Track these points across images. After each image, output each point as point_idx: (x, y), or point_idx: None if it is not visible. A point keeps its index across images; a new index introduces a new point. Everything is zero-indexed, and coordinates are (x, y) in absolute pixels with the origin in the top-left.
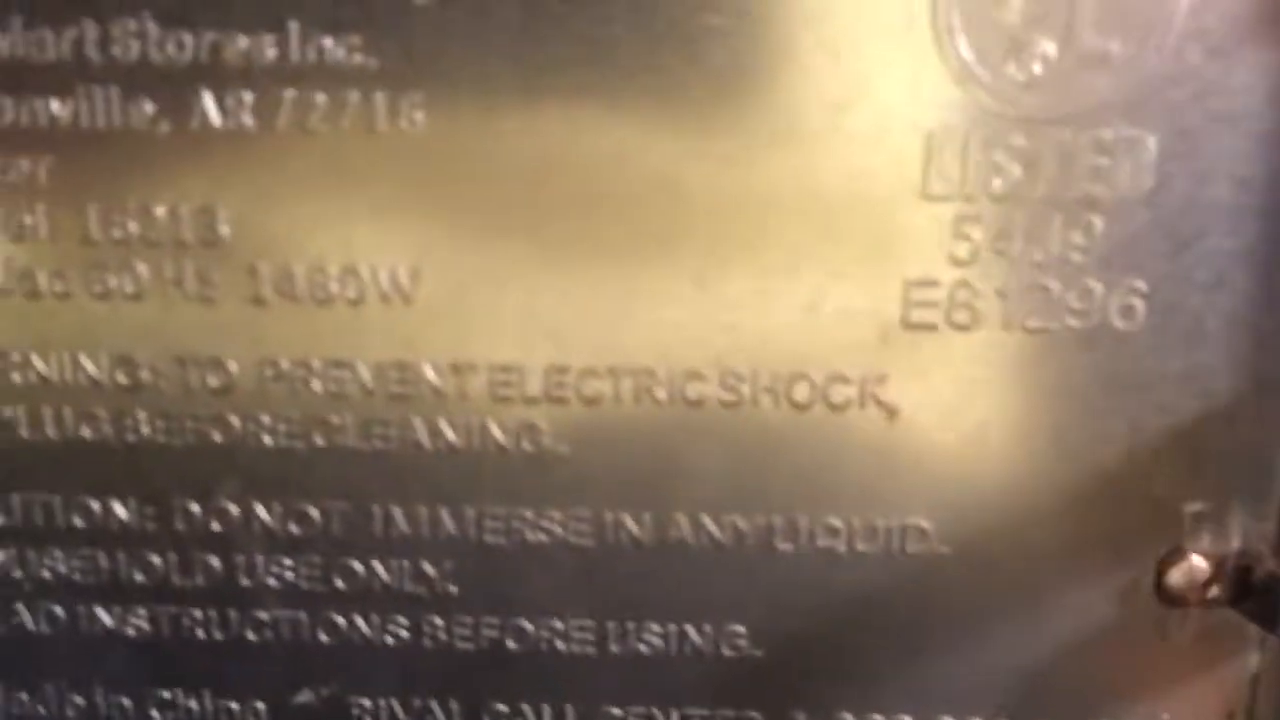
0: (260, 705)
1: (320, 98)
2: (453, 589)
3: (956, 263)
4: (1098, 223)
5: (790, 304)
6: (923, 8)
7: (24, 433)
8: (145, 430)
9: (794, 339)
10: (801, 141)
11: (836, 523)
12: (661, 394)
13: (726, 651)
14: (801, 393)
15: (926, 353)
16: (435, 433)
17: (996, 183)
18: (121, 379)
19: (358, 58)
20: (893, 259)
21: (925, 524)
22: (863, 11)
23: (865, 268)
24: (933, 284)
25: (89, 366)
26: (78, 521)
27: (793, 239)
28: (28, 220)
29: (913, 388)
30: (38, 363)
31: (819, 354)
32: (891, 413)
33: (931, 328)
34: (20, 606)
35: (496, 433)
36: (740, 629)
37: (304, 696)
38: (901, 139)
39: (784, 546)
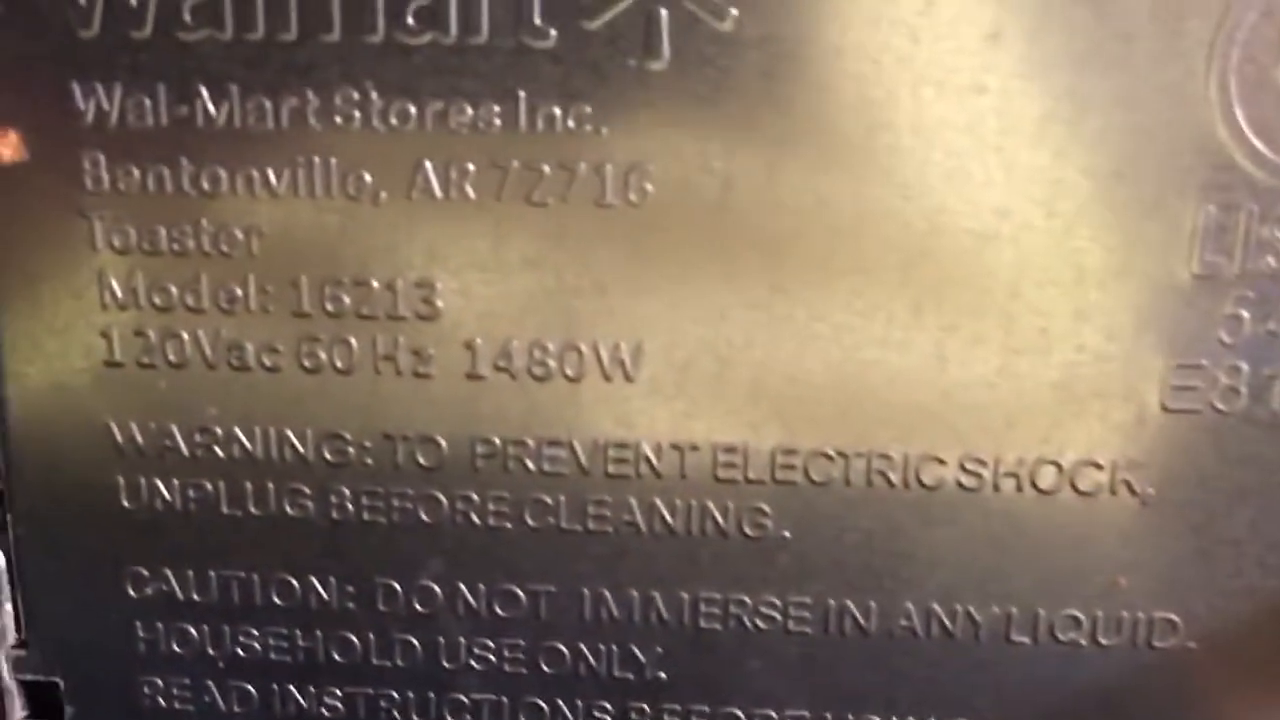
0: None
1: (547, 168)
2: (662, 675)
3: (1224, 345)
4: None
5: (1040, 384)
6: (1199, 74)
7: (224, 508)
8: (350, 508)
9: (1042, 421)
10: (1063, 212)
11: (1079, 614)
12: (895, 477)
13: None
14: (1048, 478)
15: (1187, 438)
16: (652, 514)
17: (1270, 261)
18: (328, 455)
19: (588, 127)
20: (1155, 338)
21: (1175, 617)
22: (1137, 80)
23: (1124, 347)
24: (1197, 367)
25: (295, 442)
26: (276, 599)
27: (1045, 316)
28: (238, 292)
29: (1169, 475)
30: (242, 437)
31: (1069, 437)
32: (1144, 500)
33: (1194, 412)
34: (211, 684)
35: (717, 515)
36: None
37: None
38: (1172, 212)
39: (1020, 639)
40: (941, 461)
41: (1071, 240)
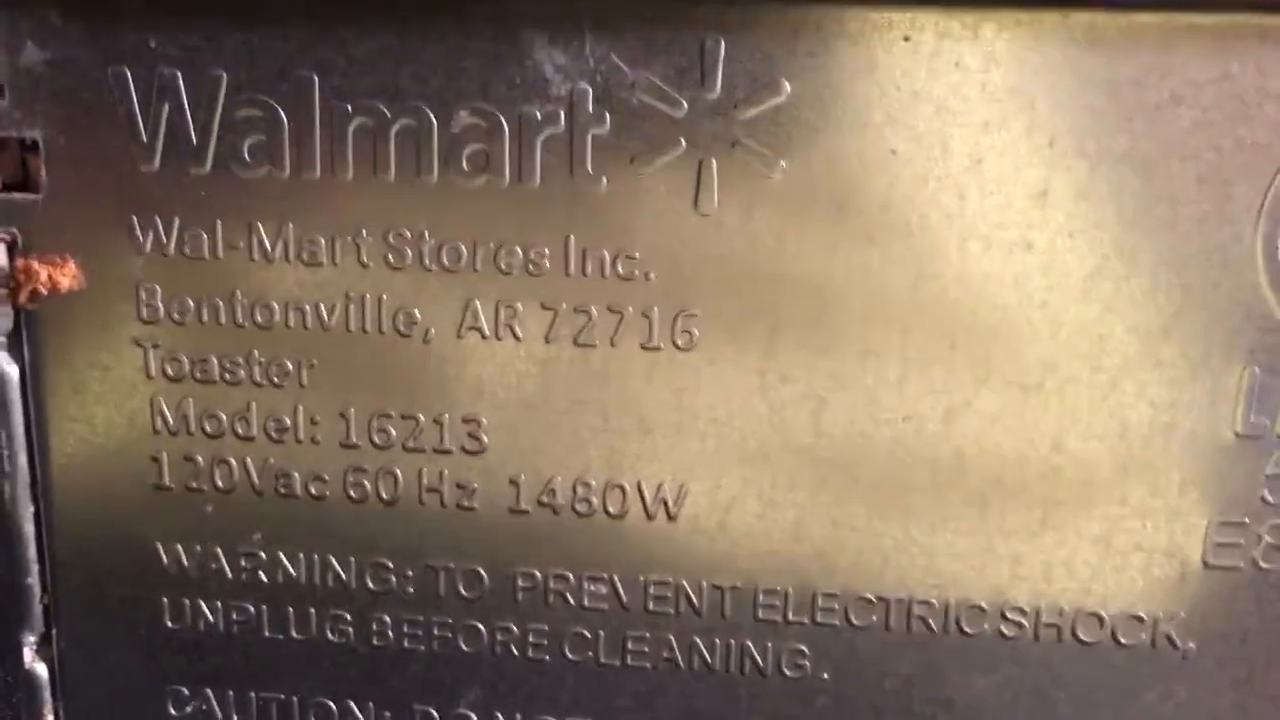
0: None
1: (596, 311)
2: None
3: (1266, 503)
4: None
5: (1081, 538)
6: (1246, 239)
7: (266, 631)
8: (390, 635)
9: (1083, 574)
10: (1109, 368)
11: None
12: (935, 624)
13: None
14: (1088, 630)
15: (1228, 594)
16: (691, 652)
17: None
18: (370, 583)
19: (636, 270)
20: (1198, 496)
21: None
22: (1184, 242)
23: (1167, 502)
24: (1240, 524)
25: (338, 568)
26: None
27: (1089, 469)
28: (288, 421)
29: (1210, 629)
30: (286, 562)
31: (1109, 591)
32: (1185, 654)
33: (1235, 569)
34: None
35: (756, 655)
36: None
37: None
38: (1218, 371)
39: None
40: (981, 610)
41: (1116, 396)
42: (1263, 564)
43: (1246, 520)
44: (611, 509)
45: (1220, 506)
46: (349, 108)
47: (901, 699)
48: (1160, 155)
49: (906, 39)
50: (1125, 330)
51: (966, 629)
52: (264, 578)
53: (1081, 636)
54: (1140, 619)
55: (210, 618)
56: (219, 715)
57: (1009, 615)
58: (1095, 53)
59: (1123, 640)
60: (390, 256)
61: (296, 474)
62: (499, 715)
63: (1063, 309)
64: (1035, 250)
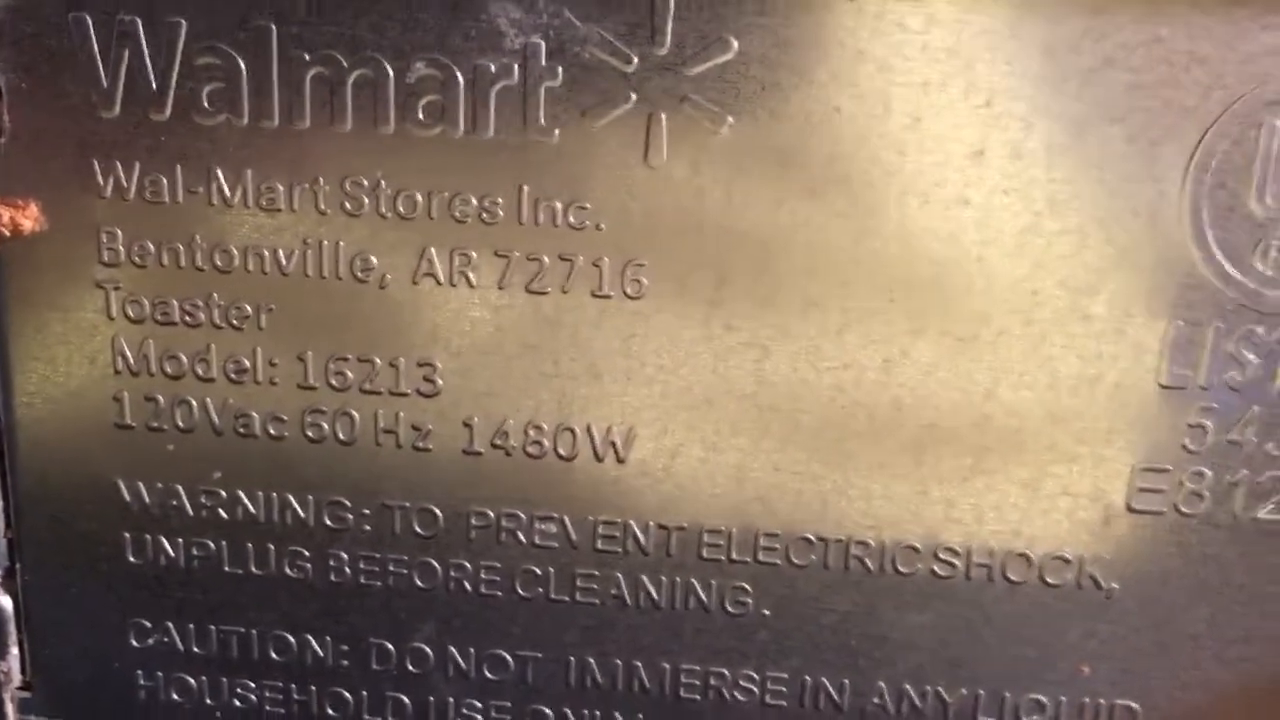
0: None
1: (548, 260)
2: None
3: (1188, 451)
4: None
5: (1010, 483)
6: (1173, 197)
7: (226, 567)
8: (347, 571)
9: (1012, 517)
10: (1040, 320)
11: (1044, 700)
12: (871, 564)
13: None
14: (1017, 570)
15: (1150, 538)
16: (637, 589)
17: (1234, 374)
18: (328, 520)
19: (587, 221)
20: (1123, 444)
21: (1135, 705)
22: (1114, 200)
23: (1093, 450)
24: (1162, 471)
25: (296, 507)
26: (273, 655)
27: (1019, 417)
28: (247, 363)
29: (1133, 571)
30: (245, 500)
31: (1037, 533)
32: (1109, 594)
33: (1158, 514)
34: None
35: (700, 592)
36: None
37: None
38: (1143, 325)
39: None
40: (915, 550)
41: (1046, 347)
42: (1183, 509)
43: (1169, 467)
44: (562, 451)
45: (1144, 454)
46: (307, 57)
47: (838, 634)
48: (1093, 116)
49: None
50: (1056, 284)
51: (901, 569)
52: (224, 515)
53: (1010, 576)
54: (1066, 560)
55: (171, 553)
56: (180, 648)
57: (941, 556)
58: (1033, 17)
59: (1049, 580)
60: (347, 204)
61: (255, 414)
62: (452, 649)
63: (997, 264)
64: (971, 206)
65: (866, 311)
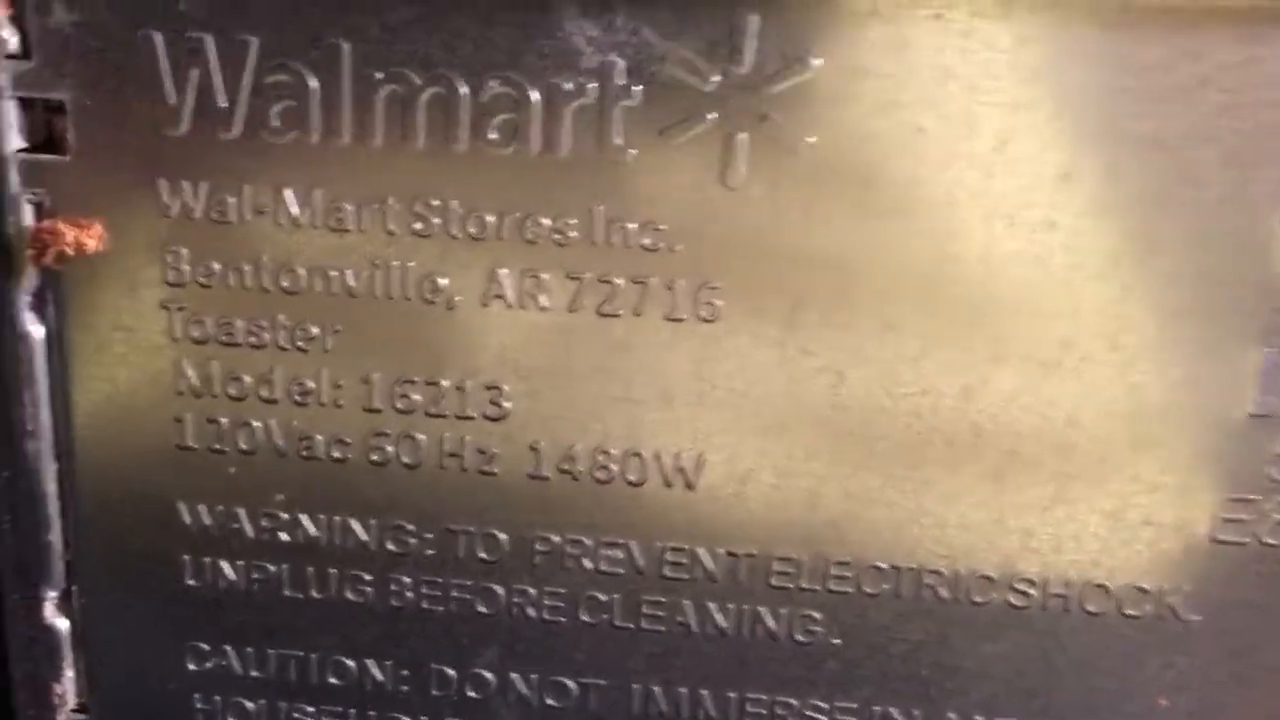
0: None
1: (620, 282)
2: None
3: (1275, 481)
4: None
5: (1092, 512)
6: (1265, 221)
7: (286, 590)
8: (409, 595)
9: (1092, 547)
10: (1127, 346)
11: None
12: (945, 593)
13: None
14: (1095, 601)
15: (1233, 569)
16: (705, 617)
17: None
18: (390, 544)
19: (661, 242)
20: (1208, 474)
21: None
22: (1206, 224)
23: (1178, 479)
24: (1248, 501)
25: (358, 530)
26: (332, 679)
27: (1103, 445)
28: (311, 385)
29: (1214, 602)
30: (307, 523)
31: (1117, 564)
32: (1188, 626)
33: (1241, 544)
34: None
35: (768, 620)
36: None
37: None
38: (1232, 352)
39: None
40: (991, 580)
41: (1132, 374)
42: (1268, 540)
43: (1255, 497)
44: (630, 477)
45: (1229, 484)
46: (379, 75)
47: (909, 664)
48: (1185, 138)
49: (938, 17)
50: (1143, 310)
51: (975, 598)
52: (285, 538)
53: (1088, 607)
54: (1146, 591)
55: (231, 576)
56: (238, 671)
57: (1017, 586)
58: (1125, 35)
59: (1128, 611)
60: (417, 224)
61: (319, 437)
62: (514, 676)
63: (1083, 288)
64: (1059, 229)
65: (946, 336)
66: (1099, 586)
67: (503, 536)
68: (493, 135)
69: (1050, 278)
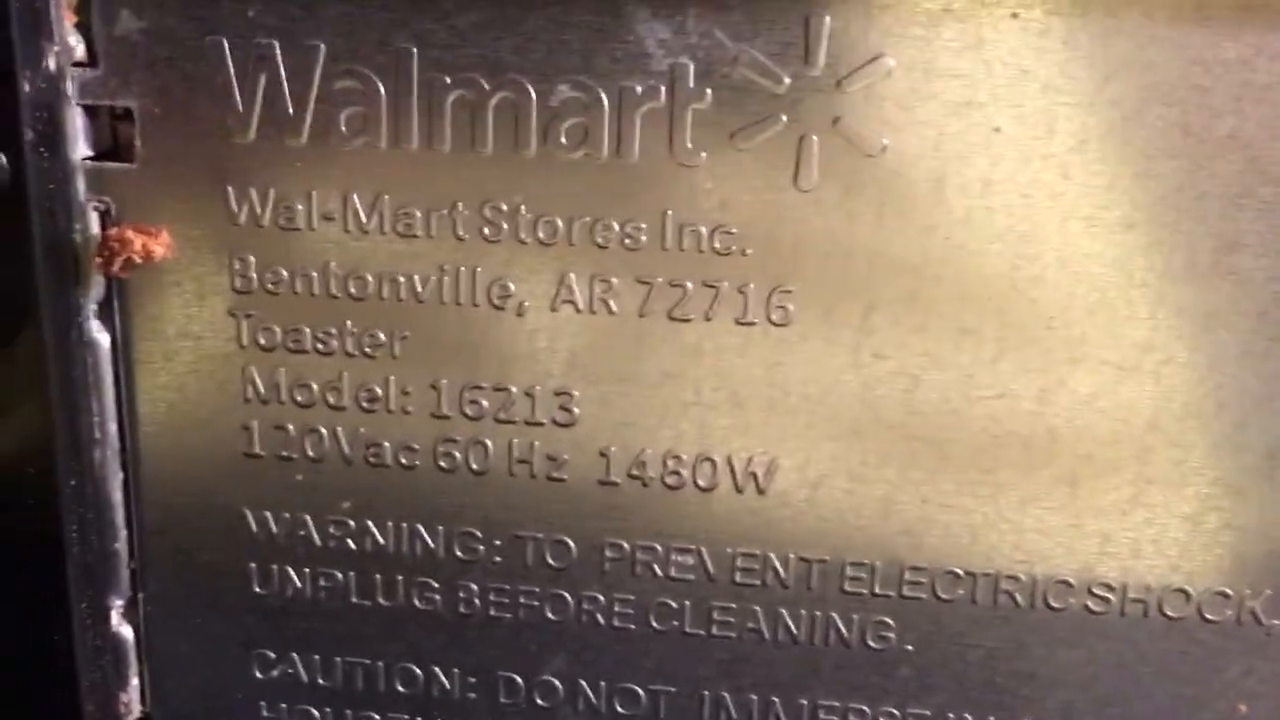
0: None
1: (691, 286)
2: None
3: None
4: None
5: (1171, 516)
6: None
7: (353, 598)
8: (477, 603)
9: (1172, 552)
10: (1207, 351)
11: None
12: (1021, 599)
13: None
14: (1174, 606)
15: None
16: (776, 623)
17: None
18: (458, 551)
19: (733, 246)
20: None
21: None
22: None
23: (1258, 483)
24: None
25: (426, 537)
26: (399, 687)
27: (1183, 449)
28: (379, 391)
29: None
30: (374, 530)
31: (1197, 568)
32: (1269, 631)
33: None
34: None
35: (841, 627)
36: None
37: None
38: None
39: None
40: (1069, 585)
41: (1214, 377)
42: None
43: None
44: (701, 482)
45: None
46: (448, 80)
47: (984, 671)
48: (1266, 136)
49: (1014, 16)
50: (1224, 311)
51: (1053, 604)
52: (352, 545)
53: (1167, 612)
54: (1227, 595)
55: (298, 584)
56: (304, 679)
57: (1096, 591)
58: (1204, 31)
59: (1208, 616)
60: (486, 229)
61: (387, 444)
62: (583, 683)
63: (1162, 289)
64: (1136, 230)
65: (1023, 339)
66: (1179, 591)
67: (572, 543)
68: (562, 139)
69: (1129, 279)
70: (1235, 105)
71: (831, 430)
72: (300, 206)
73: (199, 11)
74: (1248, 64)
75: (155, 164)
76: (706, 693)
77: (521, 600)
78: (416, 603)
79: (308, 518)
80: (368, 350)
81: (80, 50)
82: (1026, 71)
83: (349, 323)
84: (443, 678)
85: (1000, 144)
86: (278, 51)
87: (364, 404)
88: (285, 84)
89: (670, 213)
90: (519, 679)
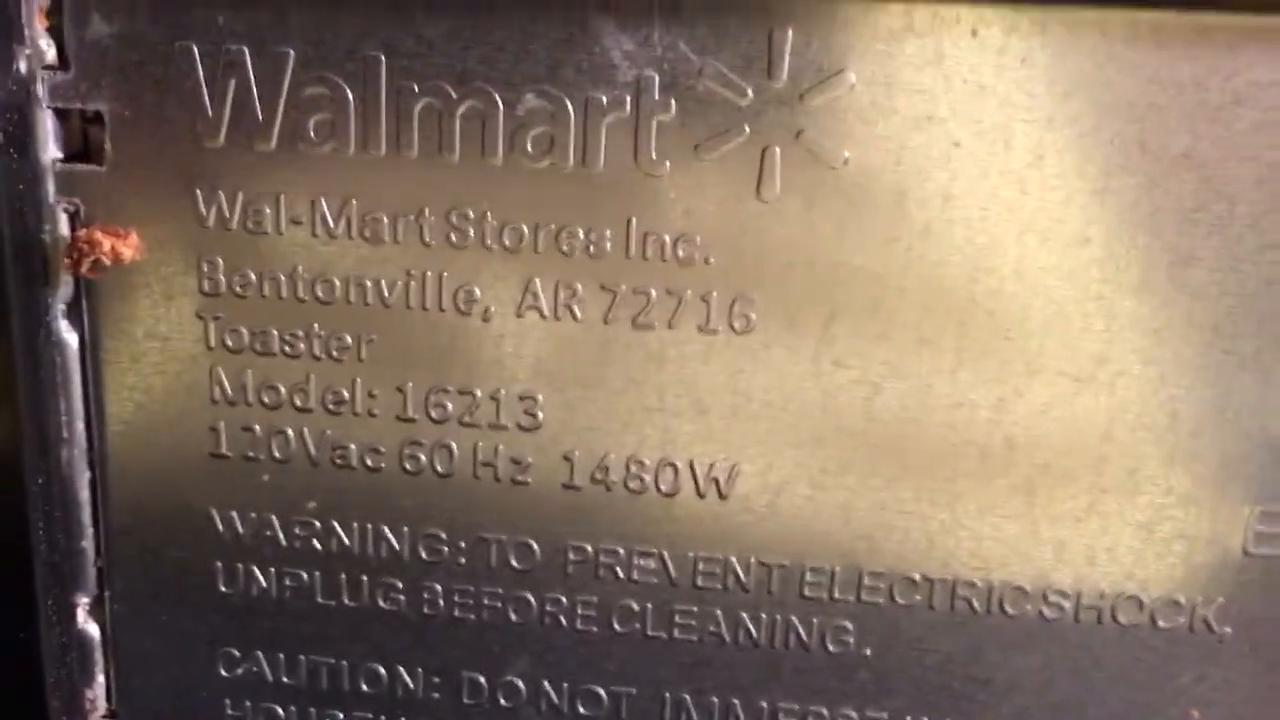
0: None
1: (655, 294)
2: None
3: None
4: None
5: (1125, 524)
6: None
7: (319, 598)
8: (441, 603)
9: (1126, 560)
10: (1160, 361)
11: None
12: (978, 605)
13: None
14: (1128, 613)
15: (1267, 582)
16: (736, 627)
17: None
18: (423, 553)
19: (696, 255)
20: (1243, 487)
21: None
22: (1239, 241)
23: (1211, 493)
24: None
25: (391, 539)
26: (364, 686)
27: (1136, 459)
28: (345, 394)
29: (1248, 615)
30: (340, 531)
31: (1150, 576)
32: (1221, 639)
33: (1275, 557)
34: None
35: (801, 631)
36: None
37: None
38: (1267, 366)
39: None
40: (1024, 592)
41: (1166, 389)
42: None
43: None
44: (663, 487)
45: (1263, 497)
46: (416, 88)
47: (941, 675)
48: (1219, 155)
49: (974, 33)
50: (1178, 325)
51: (1009, 610)
52: (318, 546)
53: (1121, 619)
54: (1179, 603)
55: (263, 583)
56: (269, 678)
57: (1051, 598)
58: (1160, 52)
59: (1161, 624)
60: (452, 235)
61: (353, 446)
62: (546, 684)
63: (1117, 302)
64: (1093, 245)
65: (981, 350)
66: (1132, 599)
67: (535, 546)
68: (529, 148)
69: (1084, 293)
70: (1190, 124)
71: (792, 437)
72: (269, 210)
73: (170, 17)
74: (1202, 84)
75: (125, 167)
76: (668, 694)
77: (485, 601)
78: (381, 603)
79: (274, 518)
80: (334, 353)
81: (51, 54)
82: (985, 88)
83: (316, 326)
84: (407, 677)
85: (960, 158)
86: (248, 57)
87: (330, 406)
88: (255, 89)
89: (635, 221)
90: (482, 679)
